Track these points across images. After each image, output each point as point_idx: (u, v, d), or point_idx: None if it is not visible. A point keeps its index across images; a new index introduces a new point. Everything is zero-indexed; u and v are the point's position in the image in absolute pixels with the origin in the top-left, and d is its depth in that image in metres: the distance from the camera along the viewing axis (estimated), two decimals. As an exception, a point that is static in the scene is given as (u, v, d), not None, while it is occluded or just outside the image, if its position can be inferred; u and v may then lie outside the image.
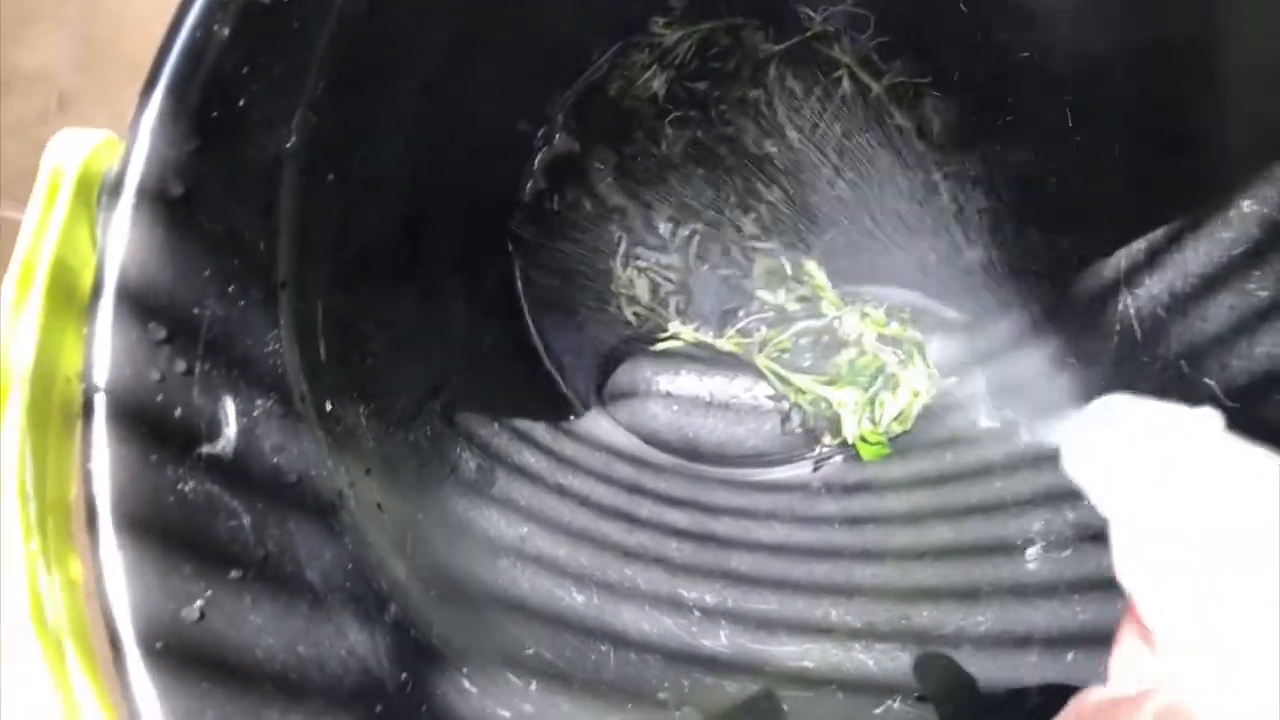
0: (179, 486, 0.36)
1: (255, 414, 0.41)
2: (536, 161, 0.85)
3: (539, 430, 0.76)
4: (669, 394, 0.84)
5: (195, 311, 0.39)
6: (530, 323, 0.84)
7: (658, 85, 0.83)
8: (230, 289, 0.40)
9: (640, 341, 0.85)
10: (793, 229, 0.84)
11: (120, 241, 0.36)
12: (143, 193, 0.36)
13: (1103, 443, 0.34)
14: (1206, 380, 0.60)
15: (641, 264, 0.85)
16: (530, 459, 0.73)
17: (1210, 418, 0.33)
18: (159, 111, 0.37)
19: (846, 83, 0.83)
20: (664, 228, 0.85)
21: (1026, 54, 0.75)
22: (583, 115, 0.85)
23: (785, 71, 0.83)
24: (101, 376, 0.35)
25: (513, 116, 0.81)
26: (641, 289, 0.84)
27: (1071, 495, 0.66)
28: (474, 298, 0.77)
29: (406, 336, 0.62)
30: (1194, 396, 0.60)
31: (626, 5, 0.80)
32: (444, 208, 0.71)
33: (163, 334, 0.37)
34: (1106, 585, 0.60)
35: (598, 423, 0.83)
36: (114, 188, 0.36)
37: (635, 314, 0.85)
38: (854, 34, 0.83)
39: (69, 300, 0.37)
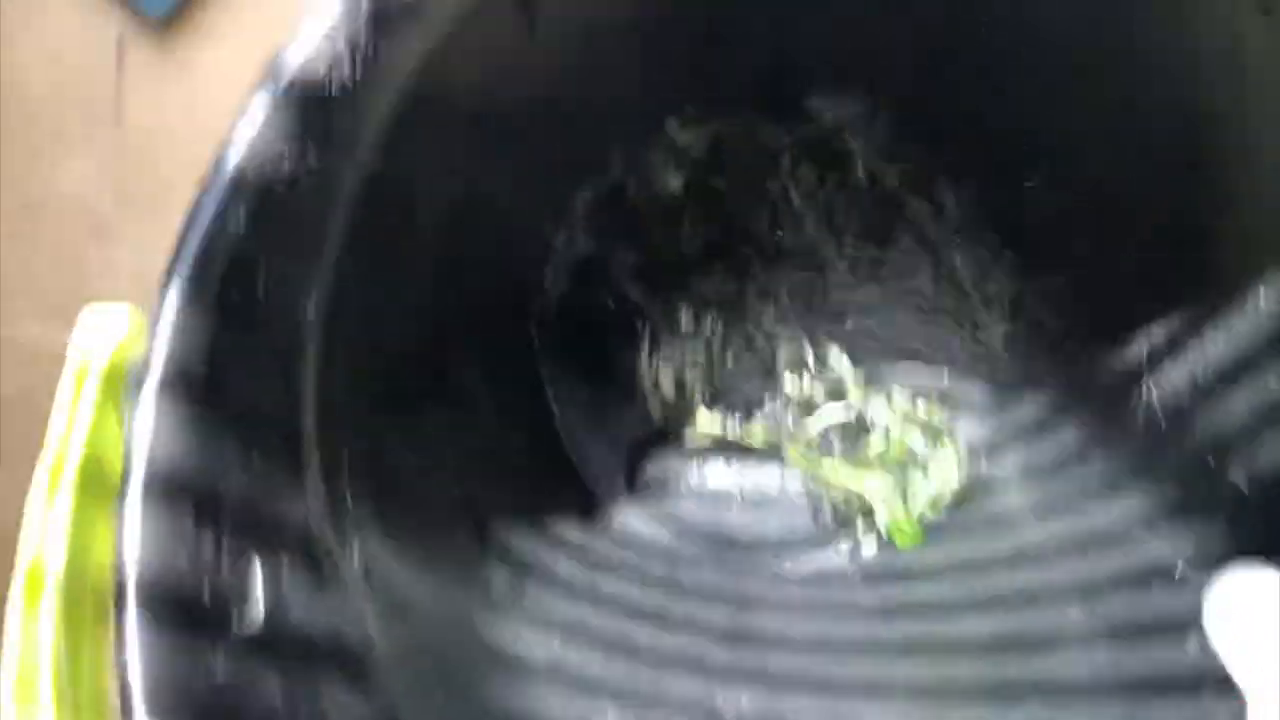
0: (211, 668, 0.37)
1: (284, 581, 0.42)
2: (558, 264, 0.86)
3: (570, 532, 0.77)
4: (699, 487, 0.85)
5: (220, 487, 0.40)
6: (559, 424, 0.85)
7: (675, 183, 0.85)
8: (255, 462, 0.42)
9: (668, 436, 0.85)
10: (814, 318, 0.85)
11: (145, 430, 0.37)
12: (166, 381, 0.38)
13: (1248, 616, 0.33)
14: (1230, 478, 0.59)
15: (666, 357, 0.86)
16: (562, 565, 0.73)
17: None
18: (179, 301, 0.38)
19: (860, 172, 0.83)
20: (687, 322, 0.86)
21: (1042, 139, 0.75)
22: (602, 216, 0.86)
23: (800, 163, 0.84)
24: (132, 566, 0.36)
25: (534, 222, 0.82)
26: (667, 383, 0.85)
27: (1102, 590, 0.66)
28: (501, 404, 0.78)
29: (435, 459, 0.63)
30: (1220, 493, 0.60)
31: (642, 109, 0.81)
32: (468, 321, 0.73)
33: (190, 516, 0.38)
34: (1136, 688, 0.59)
35: (629, 519, 0.84)
36: (138, 378, 0.38)
37: (661, 408, 0.85)
38: (866, 123, 0.83)
39: (100, 490, 0.38)
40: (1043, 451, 0.78)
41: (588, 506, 0.83)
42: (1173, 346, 0.66)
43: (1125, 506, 0.68)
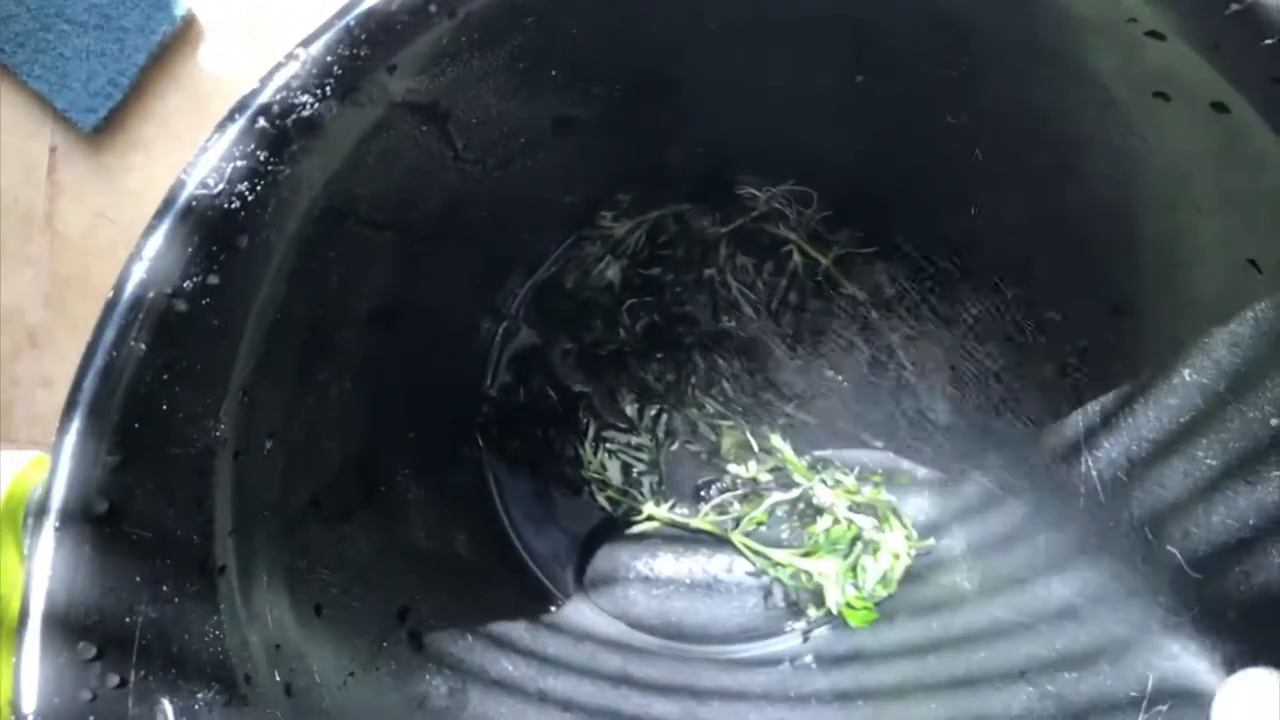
0: (115, 809, 0.36)
1: (197, 709, 0.41)
2: (500, 356, 0.86)
3: (517, 630, 0.76)
4: (648, 576, 0.84)
5: (127, 620, 0.39)
6: (504, 517, 0.84)
7: (612, 274, 0.85)
8: (164, 589, 0.41)
9: (616, 525, 0.85)
10: (756, 401, 0.85)
11: (45, 566, 0.37)
12: (66, 514, 0.37)
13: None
14: (1169, 549, 0.59)
15: (611, 446, 0.86)
16: (508, 667, 0.72)
17: None
18: (79, 434, 0.37)
19: (796, 257, 0.84)
20: (630, 409, 0.86)
21: (970, 220, 0.76)
22: (542, 308, 0.86)
23: (735, 251, 0.85)
24: (30, 705, 0.35)
25: (468, 319, 0.82)
26: (613, 471, 0.85)
27: (1051, 668, 0.66)
28: (441, 501, 0.77)
29: (366, 569, 0.62)
30: (1161, 565, 0.60)
31: (571, 205, 0.82)
32: (401, 426, 0.72)
33: (93, 651, 0.37)
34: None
35: (580, 612, 0.83)
36: (38, 512, 0.37)
37: (609, 498, 0.85)
38: (799, 208, 0.84)
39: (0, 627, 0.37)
40: (988, 528, 0.78)
41: (535, 601, 0.82)
42: (1108, 422, 0.66)
43: (1070, 582, 0.68)
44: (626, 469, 0.85)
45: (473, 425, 0.85)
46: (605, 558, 0.84)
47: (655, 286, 0.86)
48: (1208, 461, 0.57)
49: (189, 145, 0.87)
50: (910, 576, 0.81)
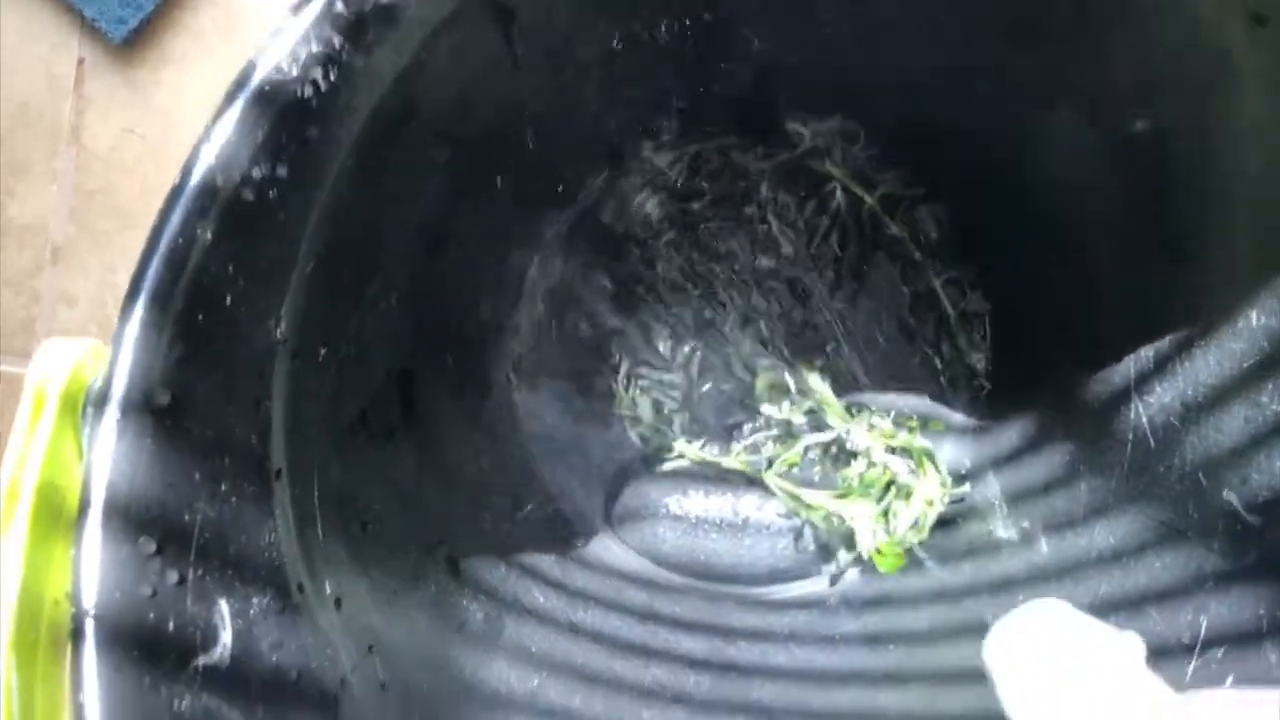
0: (175, 705, 0.35)
1: (252, 613, 0.40)
2: (535, 289, 0.84)
3: (548, 563, 0.75)
4: (678, 515, 0.83)
5: (186, 518, 0.38)
6: (534, 451, 0.83)
7: (651, 208, 0.83)
8: (222, 489, 0.39)
9: (646, 463, 0.84)
10: (794, 342, 0.83)
11: (106, 457, 0.35)
12: (127, 405, 0.36)
13: (1027, 649, 0.34)
14: (1225, 494, 0.58)
15: (644, 384, 0.84)
16: (539, 598, 0.71)
17: (1135, 646, 0.33)
18: (142, 322, 0.36)
19: (840, 196, 0.82)
20: (664, 347, 0.84)
21: (1019, 159, 0.75)
22: (577, 242, 0.84)
23: (778, 188, 0.83)
24: (90, 600, 0.34)
25: (507, 248, 0.81)
26: (645, 409, 0.84)
27: (1095, 613, 0.65)
28: (475, 439, 0.76)
29: (407, 492, 0.61)
30: (1214, 512, 0.59)
31: (616, 133, 0.80)
32: (441, 348, 0.71)
33: (153, 546, 0.36)
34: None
35: (607, 549, 0.82)
36: (99, 401, 0.36)
37: (640, 435, 0.84)
38: (845, 147, 0.83)
39: (56, 519, 0.36)
40: (1026, 476, 0.77)
41: (565, 537, 0.81)
42: (1162, 367, 0.65)
43: (1114, 530, 0.67)
44: (658, 407, 0.84)
45: (505, 358, 0.83)
46: (634, 495, 0.83)
47: (694, 222, 0.84)
48: (1273, 407, 0.56)
49: (222, 62, 0.86)
50: (943, 523, 0.80)
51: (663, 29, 0.64)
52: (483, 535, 0.71)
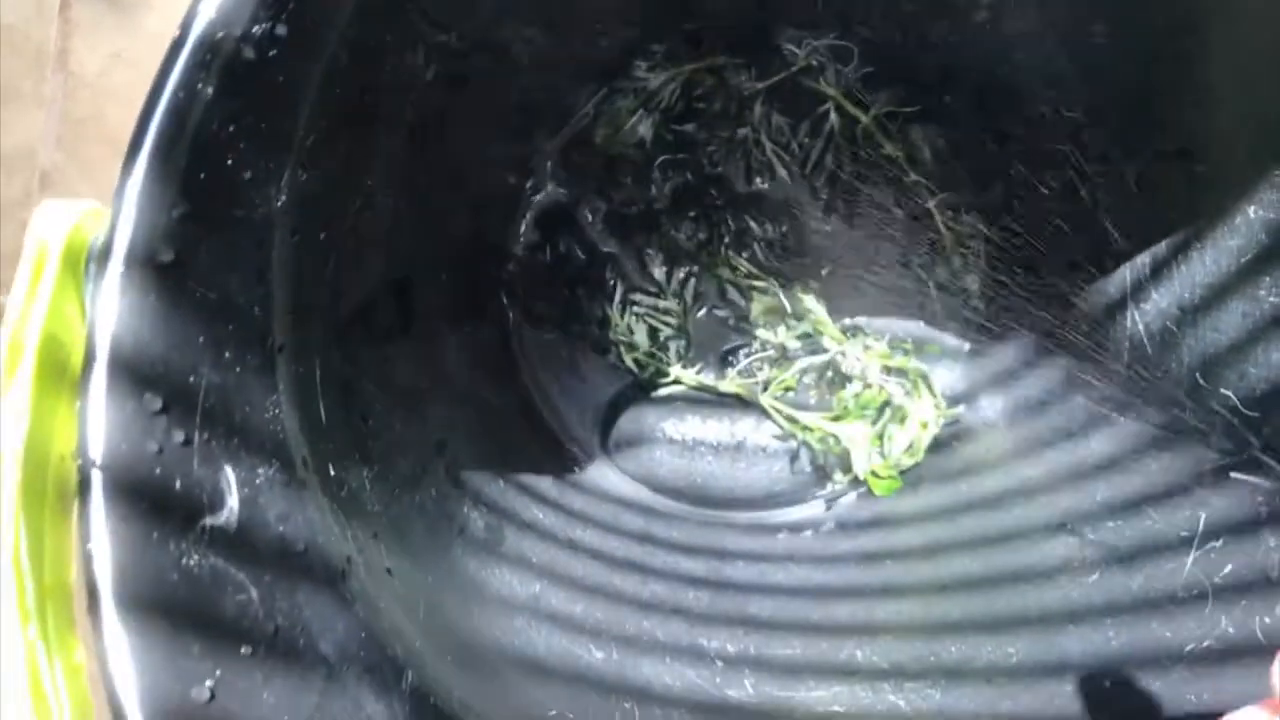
0: (183, 562, 0.35)
1: (258, 482, 0.40)
2: (527, 213, 0.84)
3: (545, 484, 0.75)
4: (674, 439, 0.83)
5: (191, 380, 0.37)
6: (529, 376, 0.83)
7: (644, 130, 0.83)
8: (226, 355, 0.39)
9: (642, 388, 0.84)
10: (789, 266, 0.83)
11: (110, 311, 0.35)
12: (132, 259, 0.35)
13: None
14: (1223, 391, 0.59)
15: (639, 309, 0.84)
16: (539, 514, 0.71)
17: None
18: (145, 176, 0.36)
19: (834, 116, 0.82)
20: (659, 272, 0.84)
21: (1011, 76, 0.74)
22: (570, 164, 0.84)
23: (771, 108, 0.83)
24: (97, 452, 0.34)
25: (500, 169, 0.80)
26: (640, 335, 0.83)
27: (1093, 519, 0.65)
28: (472, 353, 0.76)
29: (407, 395, 0.61)
30: (1211, 409, 0.59)
31: (608, 52, 0.79)
32: (436, 263, 0.71)
33: (159, 404, 0.36)
34: (1135, 608, 0.58)
35: (604, 473, 0.82)
36: (101, 256, 0.35)
37: (635, 360, 0.83)
38: (838, 67, 0.82)
39: (60, 376, 0.35)
40: (1020, 394, 0.78)
41: (562, 459, 0.81)
42: (1159, 273, 0.65)
43: (1111, 437, 0.67)
44: (654, 333, 0.84)
45: (499, 283, 0.83)
46: (630, 420, 0.83)
47: (688, 144, 0.84)
48: (1270, 299, 0.56)
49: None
50: (937, 445, 0.80)
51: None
52: (481, 453, 0.70)
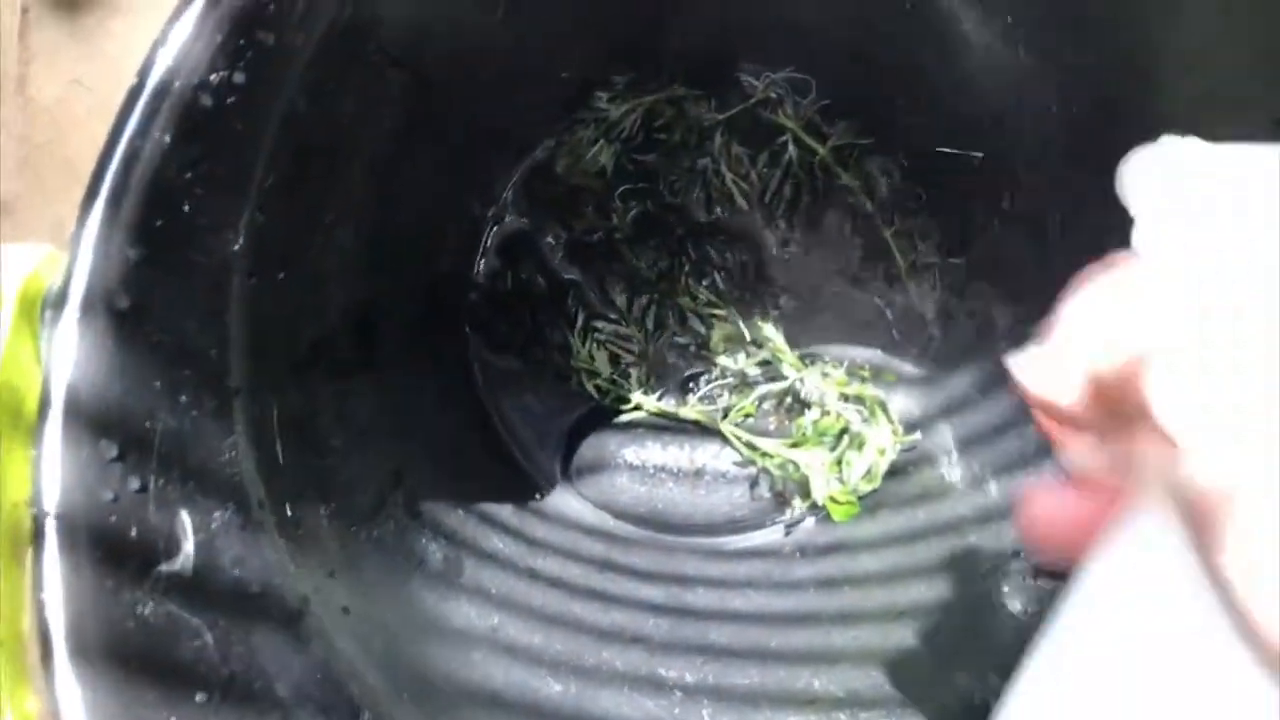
0: (137, 610, 0.35)
1: (214, 526, 0.40)
2: (488, 241, 0.84)
3: (505, 513, 0.75)
4: (635, 466, 0.83)
5: (147, 425, 0.38)
6: (490, 403, 0.83)
7: (605, 159, 0.84)
8: (183, 399, 0.39)
9: (603, 414, 0.84)
10: (748, 294, 0.84)
11: (66, 357, 0.35)
12: (88, 306, 0.35)
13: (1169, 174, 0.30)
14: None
15: (600, 336, 0.85)
16: (498, 543, 0.71)
17: None
18: (101, 222, 0.36)
19: (792, 147, 0.83)
20: (620, 299, 0.85)
21: (966, 110, 0.76)
22: (532, 193, 0.85)
23: (731, 139, 0.84)
24: (51, 501, 0.34)
25: (461, 197, 0.81)
26: (601, 361, 0.84)
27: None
28: (432, 382, 0.76)
29: (365, 428, 0.61)
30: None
31: (570, 83, 0.80)
32: (396, 294, 0.71)
33: (114, 451, 0.36)
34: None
35: (565, 500, 0.82)
36: (57, 302, 0.35)
37: (596, 387, 0.84)
38: (796, 99, 0.83)
39: (15, 423, 0.35)
40: (976, 422, 0.79)
41: (522, 487, 0.81)
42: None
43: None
44: (615, 359, 0.85)
45: (460, 311, 0.83)
46: (591, 446, 0.84)
47: (648, 174, 0.85)
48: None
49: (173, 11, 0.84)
50: (895, 471, 0.81)
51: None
52: (440, 482, 0.70)
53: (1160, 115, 0.60)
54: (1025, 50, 0.68)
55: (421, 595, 0.59)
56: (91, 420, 0.35)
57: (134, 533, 0.36)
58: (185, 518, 0.39)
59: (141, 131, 0.36)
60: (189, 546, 0.38)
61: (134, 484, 0.36)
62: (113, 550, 0.35)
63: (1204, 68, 0.55)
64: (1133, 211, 0.32)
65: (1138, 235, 0.29)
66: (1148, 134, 0.59)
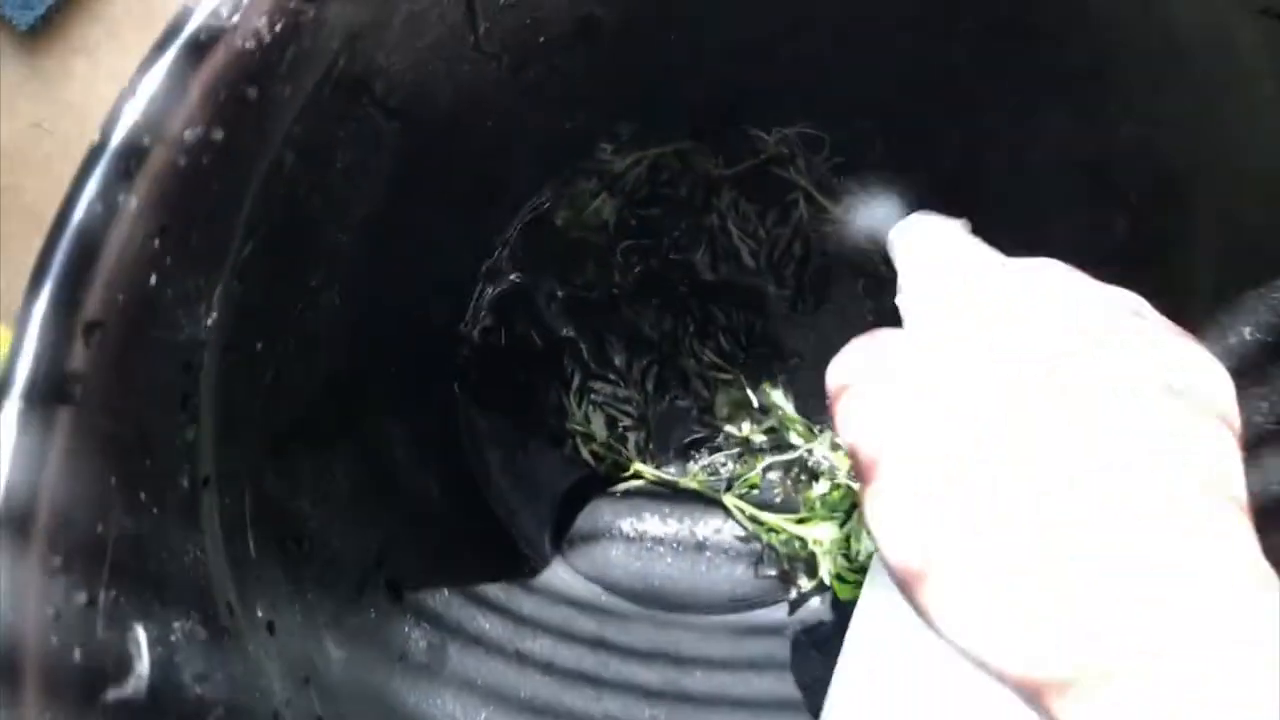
0: (80, 747, 0.30)
1: (173, 639, 0.35)
2: (482, 296, 0.80)
3: (493, 589, 0.70)
4: (631, 538, 0.79)
5: (100, 529, 0.33)
6: (478, 468, 0.78)
7: (607, 213, 0.79)
8: (141, 496, 0.34)
9: (599, 482, 0.79)
10: (755, 357, 0.80)
11: (5, 456, 0.30)
12: (32, 396, 0.31)
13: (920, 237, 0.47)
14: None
15: (597, 398, 0.80)
16: (485, 625, 0.66)
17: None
18: (51, 301, 0.31)
19: (802, 206, 0.79)
20: (619, 360, 0.80)
21: (987, 175, 0.72)
22: (530, 247, 0.80)
23: (739, 196, 0.80)
24: (-16, 625, 0.29)
25: (455, 252, 0.76)
26: (598, 425, 0.79)
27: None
28: (418, 446, 0.71)
29: (345, 505, 0.56)
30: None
31: (572, 133, 0.76)
32: (384, 355, 0.66)
33: (58, 561, 0.31)
34: None
35: (556, 574, 0.77)
36: (-2, 393, 0.31)
37: (592, 452, 0.79)
38: (808, 155, 0.80)
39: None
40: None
41: (512, 560, 0.76)
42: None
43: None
44: (612, 423, 0.80)
45: (450, 368, 0.78)
46: (586, 516, 0.79)
47: (652, 229, 0.81)
48: (1267, 427, 0.54)
49: (138, 53, 0.80)
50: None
51: (625, 14, 0.60)
52: (425, 558, 0.66)
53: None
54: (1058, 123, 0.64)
55: (403, 693, 0.54)
56: (31, 529, 0.30)
57: (77, 656, 0.31)
58: (140, 632, 0.34)
59: (102, 195, 0.32)
60: (143, 666, 0.33)
61: (80, 599, 0.32)
62: (50, 678, 0.30)
63: None
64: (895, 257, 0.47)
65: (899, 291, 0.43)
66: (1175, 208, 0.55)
